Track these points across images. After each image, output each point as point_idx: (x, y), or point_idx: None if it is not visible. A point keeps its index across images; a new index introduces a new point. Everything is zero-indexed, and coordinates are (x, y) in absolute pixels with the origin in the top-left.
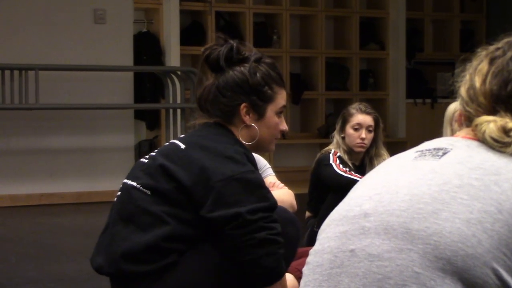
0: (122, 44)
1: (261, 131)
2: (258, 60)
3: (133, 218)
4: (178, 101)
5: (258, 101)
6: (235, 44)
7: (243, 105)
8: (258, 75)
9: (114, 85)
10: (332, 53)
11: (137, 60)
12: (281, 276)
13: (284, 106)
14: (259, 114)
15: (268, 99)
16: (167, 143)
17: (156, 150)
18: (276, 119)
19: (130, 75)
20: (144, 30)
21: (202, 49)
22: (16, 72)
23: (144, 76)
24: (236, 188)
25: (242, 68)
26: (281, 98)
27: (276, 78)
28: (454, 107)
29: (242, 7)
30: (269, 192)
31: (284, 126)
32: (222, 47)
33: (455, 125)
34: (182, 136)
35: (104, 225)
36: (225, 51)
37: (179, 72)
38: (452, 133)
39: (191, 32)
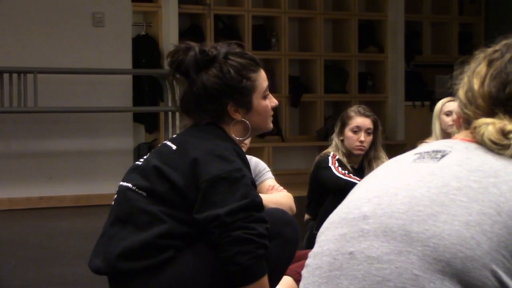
0: (121, 47)
1: (254, 120)
2: (226, 56)
3: (130, 218)
4: (177, 104)
5: (242, 96)
6: (197, 49)
7: (229, 106)
8: (232, 71)
9: (113, 88)
10: (331, 55)
11: (136, 63)
12: (257, 276)
13: (268, 86)
14: (247, 107)
15: (250, 90)
16: (159, 145)
17: (149, 153)
18: (264, 102)
19: (129, 78)
20: (143, 33)
21: (167, 58)
22: (14, 75)
23: (143, 79)
24: (222, 187)
25: (214, 70)
26: (262, 81)
27: (249, 64)
28: (442, 102)
29: (240, 10)
30: (254, 190)
31: (274, 103)
32: (185, 56)
33: (443, 117)
34: (173, 136)
35: (102, 228)
36: (192, 61)
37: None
38: (441, 126)
39: (190, 35)
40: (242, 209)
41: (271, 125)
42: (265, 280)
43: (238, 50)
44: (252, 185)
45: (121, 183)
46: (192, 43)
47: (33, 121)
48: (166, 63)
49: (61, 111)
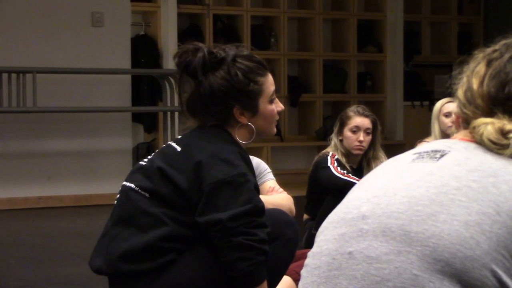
0: (120, 47)
1: (259, 124)
2: (234, 58)
3: (132, 219)
4: (176, 104)
5: (248, 100)
6: (206, 50)
7: (235, 109)
8: (239, 74)
9: (112, 88)
10: (329, 55)
11: (135, 63)
12: (257, 282)
13: (274, 90)
14: (253, 111)
15: (257, 94)
16: (164, 145)
17: (153, 153)
18: (270, 106)
19: (127, 78)
20: (142, 33)
21: (174, 58)
22: (13, 75)
23: (141, 79)
24: (225, 192)
25: (222, 72)
26: (269, 85)
27: (257, 68)
28: (441, 103)
29: (239, 10)
30: (257, 195)
31: (279, 107)
32: (194, 57)
33: (442, 119)
34: (178, 137)
35: (103, 228)
36: (200, 62)
37: (177, 75)
38: (440, 127)
39: (189, 35)
40: (245, 214)
41: (274, 130)
42: (264, 285)
43: (246, 53)
44: (255, 189)
45: (124, 183)
46: (201, 44)
47: (32, 121)
48: (165, 63)
49: (60, 111)
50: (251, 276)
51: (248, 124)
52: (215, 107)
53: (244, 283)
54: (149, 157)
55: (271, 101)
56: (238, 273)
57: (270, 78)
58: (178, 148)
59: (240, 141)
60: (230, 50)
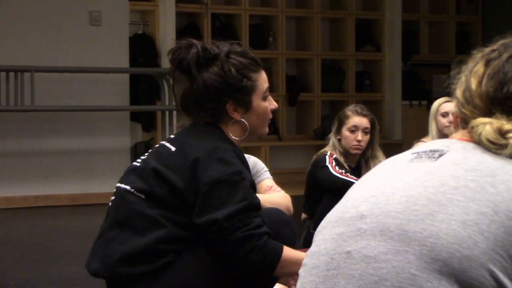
0: (118, 46)
1: (252, 121)
2: (227, 54)
3: (129, 222)
4: (174, 103)
5: (242, 96)
6: (199, 46)
7: (228, 104)
8: (233, 70)
9: (110, 87)
10: (328, 55)
11: (133, 62)
12: (276, 259)
13: (268, 87)
14: (246, 107)
15: (250, 90)
16: (157, 145)
17: (147, 153)
18: (264, 103)
19: (126, 77)
20: (140, 32)
21: (168, 54)
22: (11, 74)
23: (140, 78)
24: (221, 191)
25: (215, 68)
26: (263, 81)
27: (251, 64)
28: (438, 103)
29: (238, 9)
30: (252, 193)
31: (273, 105)
32: (187, 53)
33: (440, 119)
34: (171, 137)
35: (99, 228)
36: (194, 58)
37: (170, 72)
38: (437, 127)
39: (187, 34)
40: (240, 211)
41: (267, 129)
42: (285, 253)
43: (239, 49)
44: (251, 187)
45: (119, 184)
46: (194, 41)
47: (30, 119)
48: (163, 62)
49: (58, 109)
50: (266, 260)
51: (241, 120)
52: (209, 104)
53: (267, 268)
54: (142, 157)
55: (264, 98)
56: (255, 265)
57: (263, 74)
58: (173, 148)
59: (234, 137)
60: (224, 47)
